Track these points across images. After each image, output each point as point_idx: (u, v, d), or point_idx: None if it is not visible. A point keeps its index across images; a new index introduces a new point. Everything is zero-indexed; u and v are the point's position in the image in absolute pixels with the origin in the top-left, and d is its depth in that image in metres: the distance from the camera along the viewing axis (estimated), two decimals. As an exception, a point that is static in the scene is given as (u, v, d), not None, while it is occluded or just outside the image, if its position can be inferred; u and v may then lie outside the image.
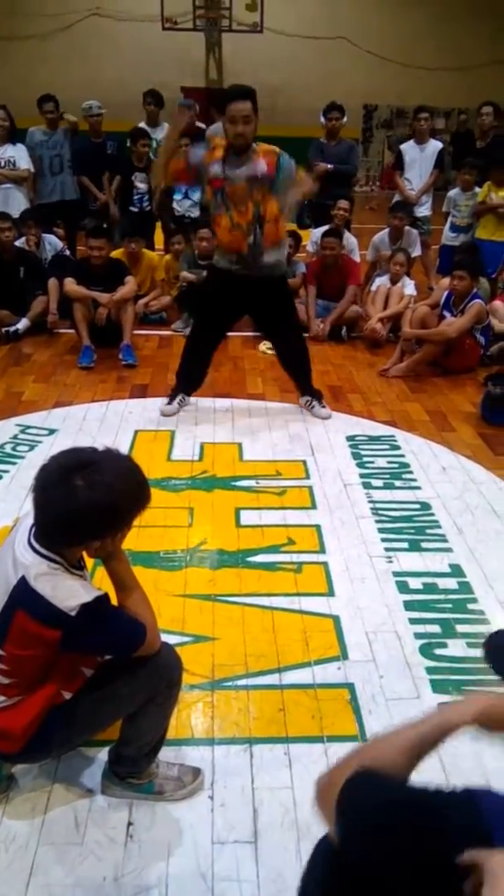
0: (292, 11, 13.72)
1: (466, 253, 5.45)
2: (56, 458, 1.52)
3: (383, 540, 2.99)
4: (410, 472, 3.55)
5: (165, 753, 1.94)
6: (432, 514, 3.19)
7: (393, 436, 3.95)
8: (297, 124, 11.91)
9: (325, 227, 5.67)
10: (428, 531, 3.07)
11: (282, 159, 3.54)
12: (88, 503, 1.45)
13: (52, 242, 5.88)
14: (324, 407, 4.18)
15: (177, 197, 6.21)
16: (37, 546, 1.54)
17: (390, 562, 2.85)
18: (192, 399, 4.31)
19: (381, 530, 3.06)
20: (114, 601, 1.65)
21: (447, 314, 4.87)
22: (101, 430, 3.91)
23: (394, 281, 5.53)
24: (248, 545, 2.93)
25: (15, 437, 3.80)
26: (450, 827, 0.74)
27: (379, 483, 3.44)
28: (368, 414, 4.24)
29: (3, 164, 5.91)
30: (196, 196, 6.19)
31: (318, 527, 3.07)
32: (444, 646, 2.40)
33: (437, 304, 4.97)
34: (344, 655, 2.34)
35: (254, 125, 3.45)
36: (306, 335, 5.54)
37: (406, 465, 3.62)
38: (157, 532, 2.98)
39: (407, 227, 5.95)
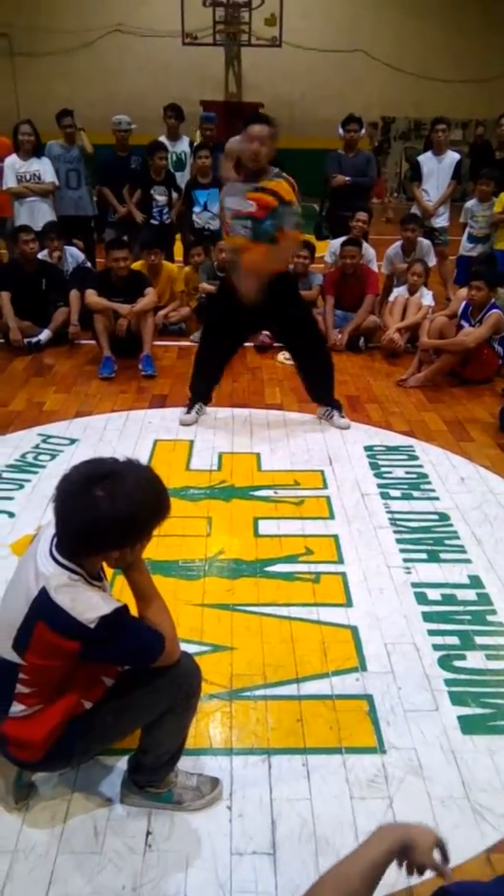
0: (310, 25, 13.84)
1: (484, 263, 5.44)
2: (77, 469, 1.53)
3: (402, 550, 2.98)
4: (429, 483, 3.54)
5: (184, 763, 1.94)
6: (451, 525, 3.18)
7: (411, 446, 3.94)
8: (315, 136, 12.00)
9: (344, 238, 5.69)
10: (446, 542, 3.05)
11: (282, 207, 3.54)
12: (109, 514, 1.46)
13: (74, 254, 5.96)
14: (343, 417, 4.16)
15: (196, 209, 6.27)
16: (58, 556, 1.56)
17: (409, 572, 2.84)
18: (210, 409, 4.34)
19: (399, 541, 3.05)
20: (134, 612, 1.66)
21: (465, 324, 4.86)
22: (121, 439, 3.94)
23: (411, 291, 5.53)
24: (266, 555, 2.93)
25: (37, 446, 3.85)
26: None
27: (397, 493, 3.44)
28: (386, 424, 4.24)
29: (28, 177, 6.01)
30: (215, 208, 6.23)
31: (336, 537, 3.07)
32: (463, 658, 2.39)
33: (455, 315, 4.97)
34: (362, 666, 2.33)
35: (269, 149, 3.54)
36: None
37: (424, 476, 3.61)
38: (175, 541, 2.99)
39: (419, 238, 5.95)
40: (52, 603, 1.52)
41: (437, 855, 1.02)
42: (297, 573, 2.82)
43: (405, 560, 2.92)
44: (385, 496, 3.41)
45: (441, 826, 1.80)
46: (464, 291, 4.95)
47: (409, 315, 5.45)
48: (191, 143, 6.73)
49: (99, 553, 1.57)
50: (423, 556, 2.95)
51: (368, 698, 2.20)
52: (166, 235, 6.34)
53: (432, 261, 6.06)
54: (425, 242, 5.99)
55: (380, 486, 3.50)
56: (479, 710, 2.16)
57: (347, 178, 6.18)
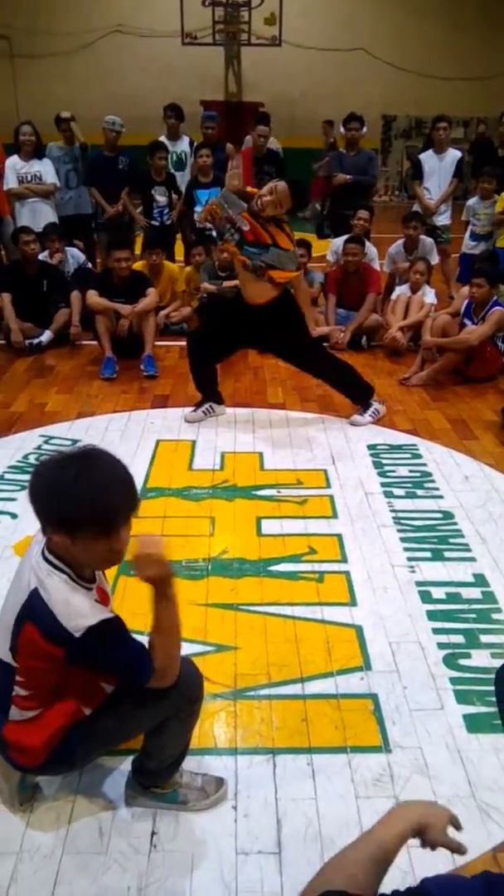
0: (310, 24, 13.82)
1: (485, 261, 5.43)
2: (50, 457, 1.59)
3: (406, 549, 2.97)
4: (432, 481, 3.53)
5: (189, 763, 1.94)
6: (455, 524, 3.17)
7: (414, 444, 3.93)
8: (316, 136, 11.99)
9: (347, 236, 5.68)
10: (451, 540, 3.05)
11: (273, 248, 3.70)
12: (79, 486, 1.46)
13: (75, 255, 5.96)
14: (362, 415, 4.19)
15: (197, 209, 6.26)
16: (47, 555, 1.56)
17: (413, 571, 2.83)
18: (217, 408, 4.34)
19: (403, 539, 3.04)
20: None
21: (468, 322, 4.85)
22: (123, 440, 3.94)
23: (414, 290, 5.52)
24: (269, 554, 2.93)
25: (39, 447, 3.84)
26: None
27: (401, 492, 3.43)
28: (389, 423, 4.23)
29: (30, 178, 6.01)
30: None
31: (339, 536, 3.06)
32: (468, 656, 2.38)
33: (458, 313, 4.95)
34: (367, 666, 2.32)
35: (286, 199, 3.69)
36: (326, 344, 5.57)
37: (428, 474, 3.60)
38: (178, 541, 2.98)
39: (422, 236, 5.94)
40: (43, 606, 1.51)
41: (451, 831, 1.01)
42: (301, 572, 2.81)
43: (409, 559, 2.91)
44: (388, 495, 3.40)
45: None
46: (466, 289, 4.94)
47: (412, 313, 5.44)
48: (191, 143, 6.73)
49: (69, 534, 1.48)
50: (428, 554, 2.94)
51: (373, 697, 2.20)
52: (167, 236, 6.34)
53: (435, 259, 6.05)
54: (428, 240, 5.98)
55: (383, 484, 3.50)
56: (484, 709, 2.15)
57: (349, 177, 6.17)
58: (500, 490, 3.46)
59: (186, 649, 2.33)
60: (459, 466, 3.68)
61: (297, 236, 6.06)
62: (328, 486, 3.49)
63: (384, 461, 3.73)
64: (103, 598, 1.68)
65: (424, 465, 3.70)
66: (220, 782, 1.88)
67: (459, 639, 2.46)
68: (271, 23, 13.07)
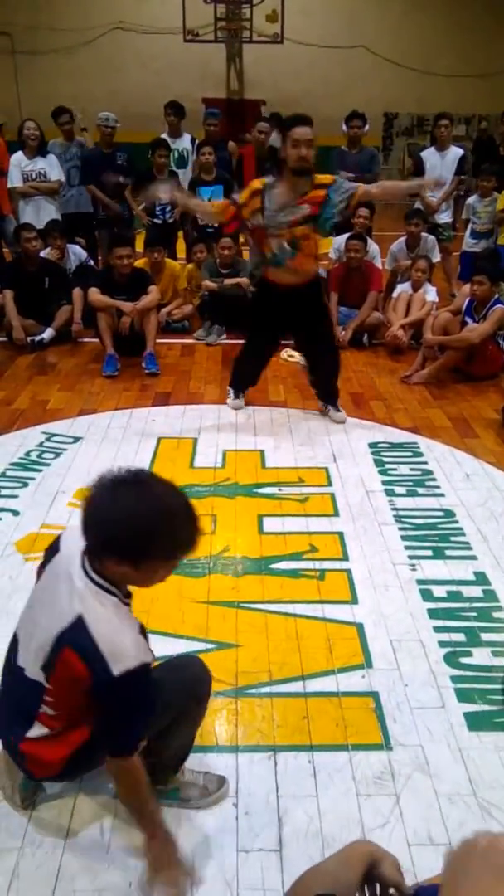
0: (312, 22, 13.80)
1: (486, 259, 5.42)
2: (105, 476, 1.48)
3: (407, 547, 2.97)
4: (433, 480, 3.53)
5: (190, 761, 1.94)
6: (456, 522, 3.17)
7: (415, 443, 3.93)
8: (318, 133, 11.97)
9: (348, 234, 5.67)
10: (452, 539, 3.05)
11: (331, 193, 3.62)
12: (133, 519, 1.40)
13: (77, 252, 5.96)
14: (339, 411, 4.21)
15: (199, 206, 6.25)
16: (93, 575, 1.49)
17: (414, 569, 2.83)
18: (214, 406, 4.35)
19: (404, 538, 3.04)
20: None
21: (469, 320, 4.84)
22: (125, 437, 3.94)
23: (415, 287, 5.52)
24: (270, 552, 2.93)
25: (40, 444, 3.84)
26: None
27: (402, 490, 3.43)
28: (391, 421, 4.23)
29: (34, 175, 6.00)
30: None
31: (340, 534, 3.06)
32: (470, 654, 2.38)
33: (459, 311, 4.95)
34: (368, 664, 2.33)
35: (314, 152, 3.55)
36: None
37: (429, 472, 3.60)
38: (180, 539, 2.99)
39: (424, 234, 5.94)
40: (87, 635, 1.44)
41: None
42: (302, 570, 2.82)
43: (410, 557, 2.91)
44: (390, 493, 3.40)
45: (448, 823, 1.79)
46: (468, 287, 4.94)
47: (413, 311, 5.43)
48: (193, 140, 6.72)
49: (129, 562, 1.45)
50: (429, 552, 2.94)
51: (374, 695, 2.20)
52: (169, 233, 6.33)
53: (436, 257, 6.05)
54: (429, 238, 5.97)
55: (384, 482, 3.50)
56: (485, 707, 2.15)
57: (351, 175, 6.15)
58: (501, 488, 3.46)
59: (188, 647, 2.35)
60: (460, 464, 3.68)
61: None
62: (329, 484, 3.49)
63: (385, 459, 3.73)
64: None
65: (425, 463, 3.70)
66: (221, 780, 1.88)
67: (460, 637, 2.46)
68: (273, 20, 13.06)
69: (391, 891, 0.98)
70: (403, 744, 2.03)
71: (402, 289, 5.63)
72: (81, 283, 5.47)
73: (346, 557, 2.90)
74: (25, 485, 3.42)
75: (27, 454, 3.73)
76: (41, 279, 5.43)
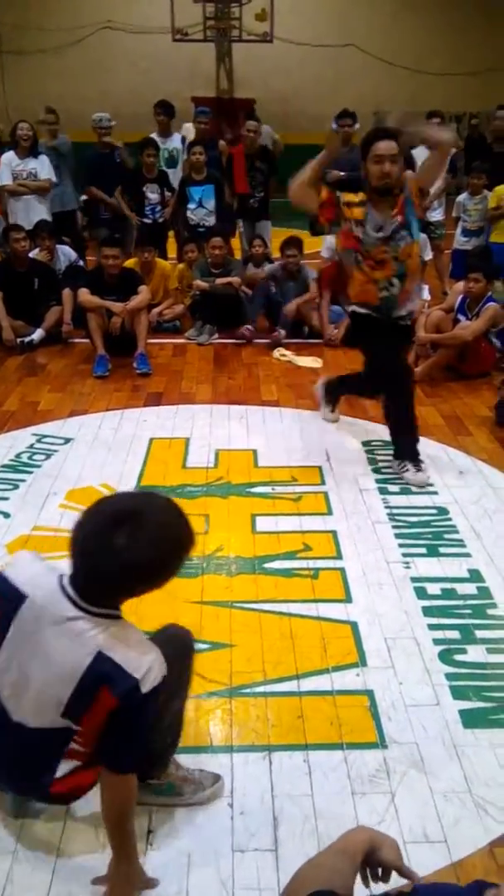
0: (301, 20, 13.80)
1: (479, 256, 5.44)
2: (93, 513, 1.44)
3: (400, 545, 2.97)
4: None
5: (185, 761, 1.93)
6: (450, 519, 3.17)
7: (408, 441, 3.92)
8: (308, 131, 11.96)
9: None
10: (446, 536, 3.05)
11: (405, 192, 3.29)
12: (133, 561, 1.39)
13: (66, 253, 5.93)
14: (420, 471, 3.46)
15: (190, 206, 6.24)
16: (88, 607, 1.46)
17: (408, 567, 2.83)
18: (206, 406, 4.34)
19: (398, 535, 3.04)
20: None
21: (462, 318, 4.85)
22: (116, 438, 3.92)
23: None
24: (264, 552, 2.92)
25: (31, 446, 3.82)
26: None
27: (395, 488, 3.43)
28: (383, 419, 4.22)
29: (25, 175, 5.97)
30: (210, 205, 6.22)
31: (334, 533, 3.06)
32: (464, 652, 2.38)
33: (452, 309, 4.95)
34: (362, 662, 2.32)
35: (400, 167, 3.21)
36: (320, 341, 5.57)
37: (422, 470, 3.59)
38: (173, 539, 2.98)
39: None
40: (113, 663, 1.42)
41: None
42: (296, 569, 2.81)
43: (404, 555, 2.91)
44: (383, 491, 3.40)
45: (443, 820, 1.79)
46: (460, 285, 4.94)
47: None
48: (183, 140, 6.70)
49: (127, 597, 1.49)
50: (423, 550, 2.94)
51: (369, 693, 2.19)
52: (159, 233, 6.32)
53: (429, 255, 6.05)
54: (422, 236, 5.97)
55: (378, 481, 3.49)
56: (480, 704, 2.15)
57: (342, 174, 6.15)
58: (494, 485, 3.46)
59: (178, 624, 2.34)
60: (454, 462, 3.69)
61: (289, 233, 6.08)
62: (323, 482, 3.48)
63: (378, 457, 3.73)
64: None
65: (419, 461, 3.69)
66: (216, 777, 1.87)
67: (455, 634, 2.46)
68: (262, 19, 13.06)
69: (393, 874, 0.98)
70: (398, 742, 2.02)
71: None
72: (71, 283, 5.45)
73: (339, 556, 2.90)
74: (16, 487, 3.40)
75: (18, 456, 3.71)
76: (30, 280, 5.41)
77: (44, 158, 6.05)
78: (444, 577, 2.77)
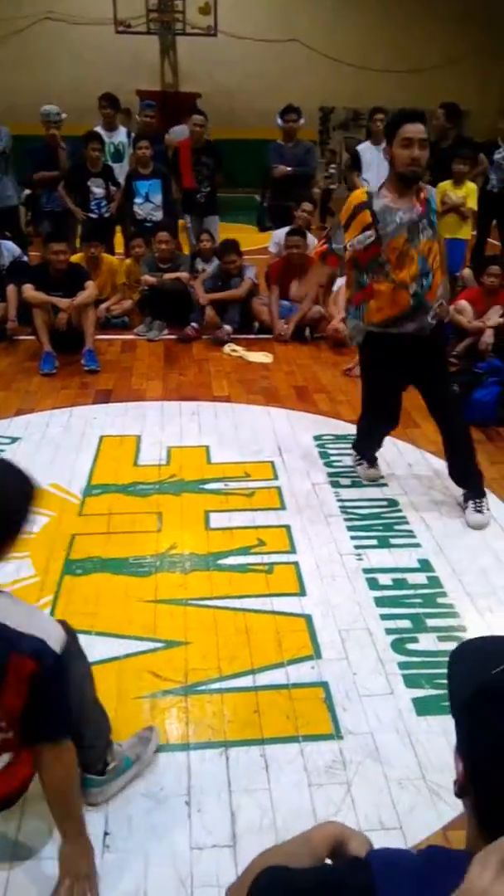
0: (245, 14, 13.76)
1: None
2: None
3: (353, 538, 3.00)
4: (377, 470, 3.57)
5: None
6: (400, 511, 3.22)
7: (359, 434, 3.97)
8: (254, 126, 11.96)
9: (288, 228, 5.69)
10: (396, 527, 3.09)
11: (430, 194, 3.01)
12: None
13: (10, 248, 5.78)
14: (479, 512, 3.13)
15: (137, 201, 6.17)
16: None
17: (360, 559, 2.86)
18: (157, 403, 4.31)
19: (350, 528, 3.07)
20: None
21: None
22: (65, 436, 3.86)
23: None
24: (218, 548, 2.91)
25: (-23, 446, 3.73)
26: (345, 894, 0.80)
27: (347, 482, 3.46)
28: (334, 413, 4.26)
29: None
30: (157, 199, 6.16)
31: (287, 527, 3.07)
32: (416, 640, 2.42)
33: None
34: (317, 654, 2.34)
35: (428, 154, 2.88)
36: (270, 336, 5.58)
37: (373, 463, 3.64)
38: (125, 538, 2.95)
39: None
40: (9, 629, 1.40)
41: None
42: (250, 565, 2.81)
43: (356, 547, 2.94)
44: (335, 485, 3.43)
45: (398, 807, 1.82)
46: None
47: (339, 299, 5.48)
48: (129, 134, 6.62)
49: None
50: (374, 542, 2.98)
51: (324, 685, 2.21)
52: (106, 228, 6.23)
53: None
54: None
55: (330, 474, 3.52)
56: (432, 692, 2.19)
57: (289, 168, 6.18)
58: (442, 476, 3.52)
59: (136, 647, 2.33)
60: (403, 455, 3.74)
61: (236, 229, 6.07)
62: (275, 477, 3.49)
63: (330, 451, 3.76)
64: None
65: (369, 454, 3.74)
66: (148, 728, 1.95)
67: (407, 624, 2.50)
68: (206, 12, 12.98)
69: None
70: (353, 732, 2.05)
71: (342, 282, 5.66)
72: (15, 279, 5.33)
73: (293, 550, 2.92)
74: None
75: (-36, 456, 3.61)
76: (-27, 276, 5.27)
77: None
78: (395, 567, 2.82)
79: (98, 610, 2.51)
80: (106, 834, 1.74)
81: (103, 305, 5.61)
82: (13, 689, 1.41)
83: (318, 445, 3.83)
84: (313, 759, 1.96)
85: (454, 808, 1.82)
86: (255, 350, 5.28)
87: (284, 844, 0.98)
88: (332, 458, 3.69)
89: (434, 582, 2.73)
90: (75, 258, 5.39)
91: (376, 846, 1.41)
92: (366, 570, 2.79)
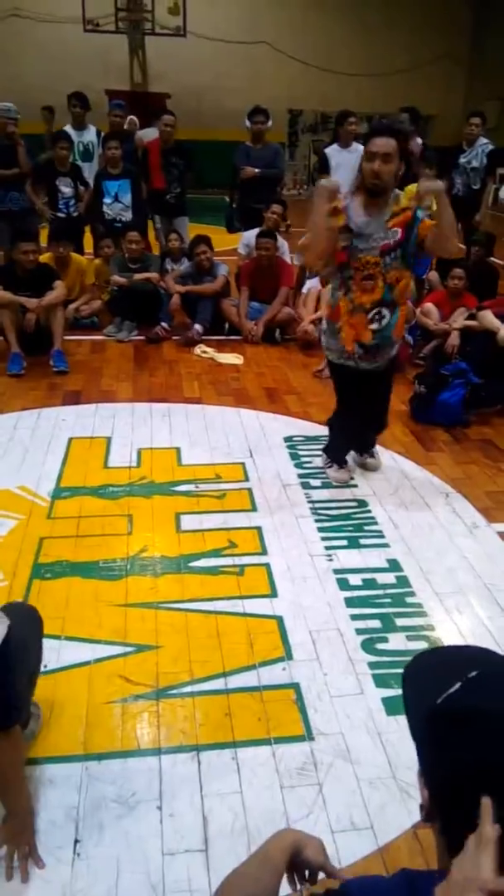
0: (214, 16, 13.78)
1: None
2: None
3: (323, 539, 3.02)
4: (347, 471, 3.60)
5: (112, 766, 1.92)
6: (369, 511, 3.25)
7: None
8: (223, 128, 11.97)
9: (258, 230, 5.69)
10: (365, 528, 3.12)
11: (417, 212, 2.95)
12: None
13: (-25, 248, 5.71)
14: (373, 457, 3.64)
15: (106, 201, 6.12)
16: None
17: (330, 560, 2.88)
18: (127, 405, 4.28)
19: (320, 529, 3.09)
20: None
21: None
22: (34, 438, 3.81)
23: (324, 283, 5.60)
24: (189, 550, 2.91)
25: None
26: None
27: (317, 483, 3.48)
28: (305, 414, 4.28)
29: None
30: (127, 199, 6.12)
31: (259, 529, 3.07)
32: (385, 640, 2.44)
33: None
34: (288, 656, 2.35)
35: (395, 168, 2.86)
36: (240, 337, 5.58)
37: (342, 464, 3.67)
38: (95, 541, 2.92)
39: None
40: None
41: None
42: (222, 567, 2.81)
43: (327, 548, 2.96)
44: (306, 486, 3.44)
45: (369, 807, 1.83)
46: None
47: (323, 306, 5.51)
48: (98, 133, 6.56)
49: None
50: (344, 542, 3.00)
51: (295, 687, 2.22)
52: (74, 228, 6.16)
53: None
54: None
55: (300, 476, 3.54)
56: (402, 691, 2.20)
57: (256, 170, 6.19)
58: (410, 477, 3.57)
59: (106, 651, 2.31)
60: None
61: (205, 230, 6.06)
62: (246, 479, 3.49)
63: (301, 452, 3.78)
64: None
65: (339, 455, 3.76)
66: (36, 706, 2.00)
67: (376, 624, 2.52)
68: (175, 13, 12.96)
69: (320, 875, 1.00)
70: (325, 732, 2.06)
71: (312, 284, 5.71)
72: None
73: (264, 551, 2.92)
74: None
75: None
76: None
77: None
78: (365, 567, 2.84)
79: (68, 614, 2.48)
80: (77, 841, 1.73)
81: (72, 306, 5.56)
82: None
83: (289, 447, 3.84)
84: (285, 761, 1.96)
85: (424, 806, 1.84)
86: (226, 351, 5.29)
87: (246, 867, 0.98)
88: (303, 460, 3.70)
89: (403, 582, 2.76)
90: (43, 258, 5.33)
91: (348, 846, 1.42)
92: (336, 571, 2.80)
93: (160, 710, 2.12)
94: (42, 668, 2.02)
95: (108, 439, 3.84)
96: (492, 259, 5.83)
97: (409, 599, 2.66)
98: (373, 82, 14.48)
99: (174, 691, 2.19)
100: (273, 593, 2.66)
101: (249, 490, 3.39)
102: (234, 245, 6.34)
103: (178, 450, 3.76)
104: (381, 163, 2.83)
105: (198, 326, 5.47)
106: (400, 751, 2.00)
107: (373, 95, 14.28)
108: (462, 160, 6.38)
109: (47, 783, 1.85)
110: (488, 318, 4.45)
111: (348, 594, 2.67)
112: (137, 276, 5.60)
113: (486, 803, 0.64)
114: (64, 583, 2.66)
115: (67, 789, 1.85)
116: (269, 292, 5.62)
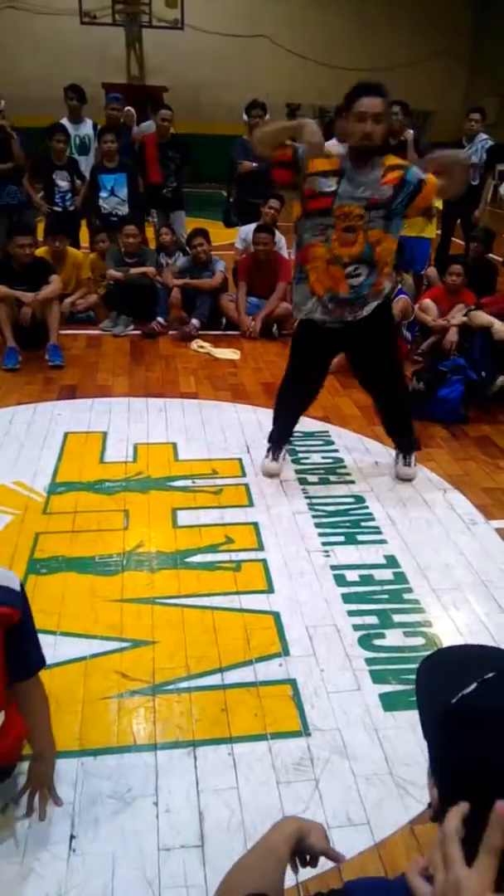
0: (212, 8, 13.72)
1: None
2: None
3: (320, 534, 3.01)
4: (344, 467, 3.59)
5: (108, 761, 1.91)
6: (366, 507, 3.24)
7: (326, 431, 3.99)
8: (221, 121, 11.93)
9: (256, 224, 5.67)
10: (363, 524, 3.11)
11: (408, 174, 2.89)
12: None
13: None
14: (408, 466, 3.48)
15: (102, 195, 6.09)
16: None
17: (327, 556, 2.87)
18: (124, 399, 4.26)
19: (317, 525, 3.08)
20: None
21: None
22: (29, 433, 3.79)
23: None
24: (186, 546, 2.90)
25: None
26: None
27: (314, 478, 3.47)
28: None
29: None
30: (123, 193, 6.09)
31: (255, 524, 3.07)
32: (383, 636, 2.44)
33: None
34: (285, 651, 2.34)
35: (384, 128, 2.83)
36: (237, 332, 5.56)
37: (340, 460, 3.66)
38: (91, 536, 2.91)
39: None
40: None
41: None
42: (218, 562, 2.80)
43: (324, 544, 2.95)
44: (303, 482, 3.44)
45: (366, 803, 1.83)
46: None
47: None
48: (95, 126, 6.53)
49: None
50: (341, 538, 2.99)
51: (292, 682, 2.21)
52: (70, 221, 6.14)
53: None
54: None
55: (297, 471, 3.53)
56: (399, 687, 2.21)
57: (254, 164, 6.16)
58: (408, 473, 3.56)
59: (102, 647, 2.30)
60: (369, 451, 3.77)
61: (203, 225, 6.02)
62: (243, 474, 3.48)
63: (298, 448, 3.77)
64: None
65: (336, 451, 3.76)
66: None
67: (373, 620, 2.52)
68: (173, 5, 12.91)
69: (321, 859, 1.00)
70: (321, 728, 2.05)
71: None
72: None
73: (261, 547, 2.91)
74: None
75: None
76: None
77: None
78: (362, 563, 2.83)
79: (63, 610, 2.47)
80: (73, 837, 1.72)
81: (68, 300, 5.53)
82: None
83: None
84: (282, 757, 1.96)
85: (421, 802, 1.83)
86: (223, 346, 5.27)
87: (249, 859, 0.97)
88: (300, 455, 3.69)
89: (400, 578, 2.76)
90: (40, 252, 5.30)
91: (345, 842, 1.42)
92: (333, 567, 2.80)
93: (156, 705, 2.11)
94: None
95: (105, 434, 3.83)
96: (490, 255, 5.83)
97: (406, 596, 2.66)
98: (372, 77, 14.35)
99: (170, 687, 2.18)
100: (270, 589, 2.65)
101: (246, 485, 3.38)
102: (231, 240, 6.32)
103: (174, 445, 3.75)
104: (372, 122, 2.77)
105: (195, 321, 5.45)
106: (397, 747, 1.99)
107: (371, 90, 14.22)
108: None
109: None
110: (480, 316, 4.44)
111: (345, 590, 2.66)
112: (134, 271, 5.58)
113: (500, 808, 0.63)
114: (60, 578, 2.65)
115: (63, 785, 1.84)
116: (267, 287, 5.60)
